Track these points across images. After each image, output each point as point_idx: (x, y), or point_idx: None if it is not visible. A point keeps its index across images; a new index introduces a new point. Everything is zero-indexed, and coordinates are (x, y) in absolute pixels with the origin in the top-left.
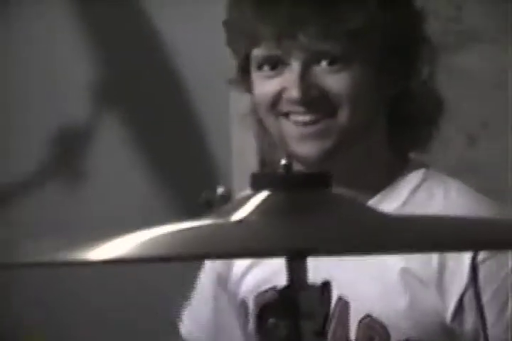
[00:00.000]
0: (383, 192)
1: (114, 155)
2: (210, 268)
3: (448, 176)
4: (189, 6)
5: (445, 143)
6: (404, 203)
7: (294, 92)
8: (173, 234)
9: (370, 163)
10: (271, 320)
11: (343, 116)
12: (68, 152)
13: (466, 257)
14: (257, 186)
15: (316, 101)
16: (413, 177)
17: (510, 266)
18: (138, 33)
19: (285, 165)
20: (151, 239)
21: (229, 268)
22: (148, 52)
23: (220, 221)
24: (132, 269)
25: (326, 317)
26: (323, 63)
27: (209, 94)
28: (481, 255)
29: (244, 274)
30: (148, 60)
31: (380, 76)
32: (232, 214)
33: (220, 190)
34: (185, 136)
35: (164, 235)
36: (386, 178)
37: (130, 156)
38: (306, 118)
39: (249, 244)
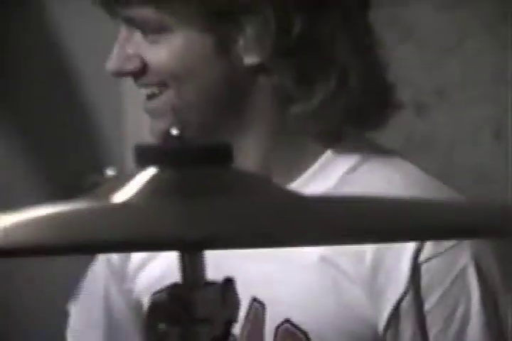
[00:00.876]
0: (307, 176)
1: None
2: (103, 259)
3: (393, 154)
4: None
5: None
6: (335, 188)
7: (108, 64)
8: (31, 219)
9: (278, 145)
10: (160, 326)
11: (169, 93)
12: None
13: (407, 254)
14: (142, 161)
15: (141, 75)
16: (348, 157)
17: (461, 266)
18: None
19: (175, 135)
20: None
21: (125, 260)
22: None
23: (97, 204)
24: None
25: (228, 322)
26: (138, 33)
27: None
28: (425, 252)
29: (139, 269)
30: None
31: (223, 44)
32: (112, 196)
33: (109, 172)
34: (73, 113)
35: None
36: (311, 160)
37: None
38: (143, 92)
39: (132, 232)
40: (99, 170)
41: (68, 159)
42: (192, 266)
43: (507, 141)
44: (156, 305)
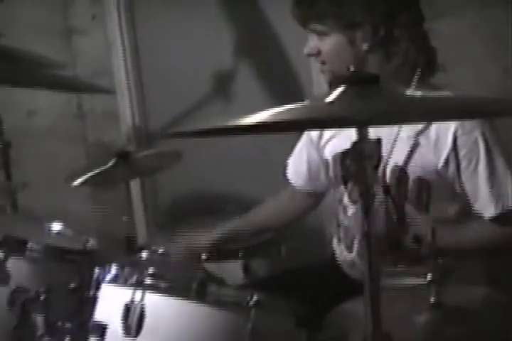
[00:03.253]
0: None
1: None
2: (306, 134)
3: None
4: None
5: None
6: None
7: (305, 49)
8: (293, 110)
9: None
10: (348, 162)
11: (328, 64)
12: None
13: (451, 131)
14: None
15: (317, 55)
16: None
17: (474, 138)
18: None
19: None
20: (279, 113)
21: (319, 137)
22: None
23: (319, 102)
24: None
25: (379, 158)
26: (315, 35)
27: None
28: (459, 130)
29: (327, 142)
30: None
31: (352, 41)
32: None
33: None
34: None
35: (288, 110)
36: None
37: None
38: (318, 63)
39: (337, 116)
40: None
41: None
42: (362, 133)
43: None
44: (346, 151)
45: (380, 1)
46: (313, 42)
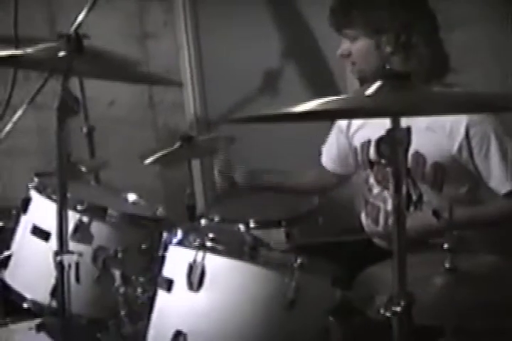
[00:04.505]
0: None
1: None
2: (337, 125)
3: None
4: None
5: None
6: None
7: (338, 52)
8: (338, 100)
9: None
10: (382, 147)
11: (356, 64)
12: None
13: (463, 124)
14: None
15: (348, 57)
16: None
17: (485, 130)
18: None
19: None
20: (326, 102)
21: (348, 127)
22: None
23: (359, 94)
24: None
25: (408, 144)
26: (347, 39)
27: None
28: (471, 122)
29: (356, 131)
30: None
31: (378, 45)
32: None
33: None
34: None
35: (332, 100)
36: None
37: None
38: (348, 63)
39: (374, 107)
40: None
41: None
42: (395, 122)
43: None
44: (380, 138)
45: (402, 12)
46: (345, 45)
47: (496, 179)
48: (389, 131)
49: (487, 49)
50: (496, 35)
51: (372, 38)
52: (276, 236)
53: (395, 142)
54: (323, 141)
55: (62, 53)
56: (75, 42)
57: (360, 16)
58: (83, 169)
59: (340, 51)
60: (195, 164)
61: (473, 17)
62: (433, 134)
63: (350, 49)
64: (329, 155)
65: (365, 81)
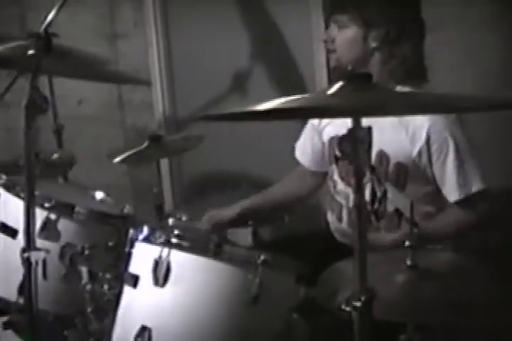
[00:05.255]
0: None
1: None
2: (310, 122)
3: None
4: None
5: None
6: None
7: (322, 36)
8: (301, 99)
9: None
10: (344, 145)
11: (337, 52)
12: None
13: (425, 128)
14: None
15: (331, 43)
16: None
17: (445, 136)
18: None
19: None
20: (290, 101)
21: (319, 124)
22: None
23: (321, 94)
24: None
25: (370, 143)
26: (334, 26)
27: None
28: (431, 128)
29: (325, 127)
30: None
31: (365, 36)
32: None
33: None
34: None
35: (296, 99)
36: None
37: None
38: (329, 50)
39: (335, 105)
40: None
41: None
42: (356, 123)
43: None
44: (343, 135)
45: (396, 10)
46: (332, 32)
47: (448, 187)
48: (350, 130)
49: (460, 51)
50: (469, 36)
51: (361, 28)
52: (243, 235)
53: (356, 141)
54: (294, 139)
55: (31, 52)
56: (45, 40)
57: (355, 5)
58: (55, 157)
59: (325, 36)
60: (164, 163)
61: (447, 20)
62: (397, 135)
63: (336, 36)
64: (304, 151)
65: (338, 71)
